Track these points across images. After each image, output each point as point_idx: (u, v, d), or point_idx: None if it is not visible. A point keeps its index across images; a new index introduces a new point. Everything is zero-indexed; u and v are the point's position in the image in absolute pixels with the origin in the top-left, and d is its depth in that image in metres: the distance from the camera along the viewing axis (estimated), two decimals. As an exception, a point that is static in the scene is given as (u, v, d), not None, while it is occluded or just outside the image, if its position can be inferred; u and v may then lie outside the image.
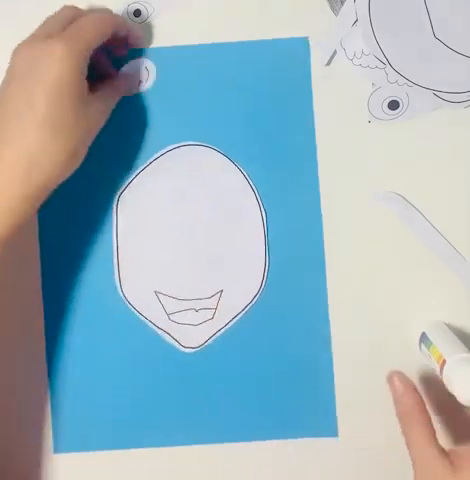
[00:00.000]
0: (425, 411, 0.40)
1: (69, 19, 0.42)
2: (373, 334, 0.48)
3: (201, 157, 0.47)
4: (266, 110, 0.47)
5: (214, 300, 0.47)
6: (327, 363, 0.47)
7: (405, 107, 0.47)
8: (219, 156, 0.47)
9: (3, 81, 0.40)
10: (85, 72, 0.40)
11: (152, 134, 0.47)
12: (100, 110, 0.42)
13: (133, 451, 0.47)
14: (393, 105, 0.47)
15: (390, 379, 0.43)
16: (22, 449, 0.47)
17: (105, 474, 0.48)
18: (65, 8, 0.43)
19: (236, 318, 0.47)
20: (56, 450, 0.47)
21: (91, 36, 0.40)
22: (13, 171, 0.38)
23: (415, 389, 0.41)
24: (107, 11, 0.46)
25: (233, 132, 0.47)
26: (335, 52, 0.47)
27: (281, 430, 0.48)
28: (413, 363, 0.47)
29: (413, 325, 0.48)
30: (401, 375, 0.42)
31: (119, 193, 0.47)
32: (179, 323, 0.47)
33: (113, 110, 0.45)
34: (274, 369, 0.47)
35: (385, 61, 0.46)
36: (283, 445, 0.48)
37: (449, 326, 0.47)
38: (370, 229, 0.48)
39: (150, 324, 0.47)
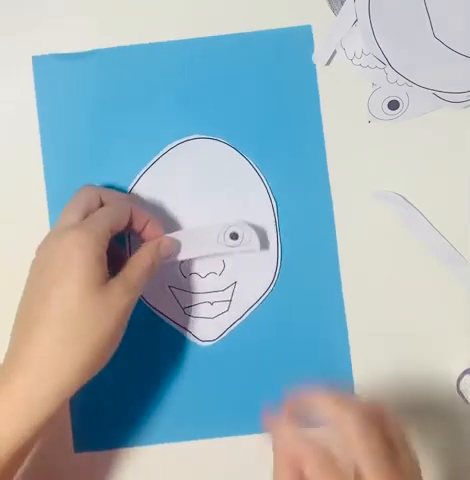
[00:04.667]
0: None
1: (88, 205, 0.42)
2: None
3: (209, 150, 0.47)
4: (272, 100, 0.47)
5: (228, 292, 0.47)
6: (344, 350, 0.47)
7: (405, 107, 0.47)
8: (227, 148, 0.47)
9: (27, 278, 0.41)
10: (103, 259, 0.39)
11: (159, 129, 0.47)
12: (121, 298, 0.39)
13: (155, 447, 0.47)
14: (393, 105, 0.47)
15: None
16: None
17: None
18: (84, 190, 0.43)
19: (251, 309, 0.47)
20: (77, 449, 0.47)
21: (108, 226, 0.40)
22: (24, 374, 0.37)
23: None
24: (127, 198, 0.46)
25: (240, 124, 0.47)
26: (335, 52, 0.47)
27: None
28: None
29: (414, 325, 0.48)
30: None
31: (130, 188, 0.47)
32: (195, 317, 0.47)
33: (121, 105, 0.45)
34: (291, 359, 0.47)
35: (385, 61, 0.46)
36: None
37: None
38: (370, 229, 0.48)
39: (166, 319, 0.47)
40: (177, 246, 0.45)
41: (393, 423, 0.37)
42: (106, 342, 0.39)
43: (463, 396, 0.47)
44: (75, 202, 0.43)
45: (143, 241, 0.44)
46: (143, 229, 0.44)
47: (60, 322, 0.38)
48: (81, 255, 0.38)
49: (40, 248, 0.41)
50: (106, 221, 0.41)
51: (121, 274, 0.41)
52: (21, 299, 0.41)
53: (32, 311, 0.39)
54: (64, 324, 0.38)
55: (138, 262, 0.42)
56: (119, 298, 0.39)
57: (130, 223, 0.43)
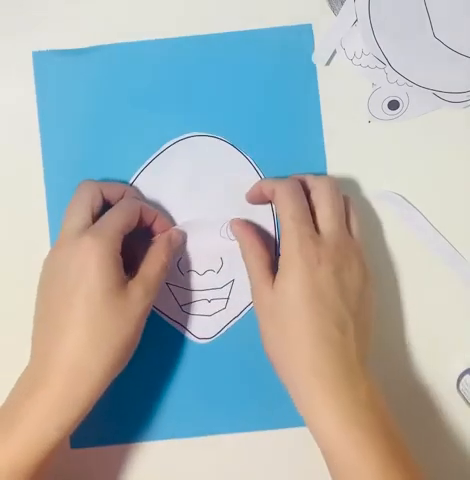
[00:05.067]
0: (260, 247, 0.43)
1: (92, 201, 0.42)
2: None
3: (209, 148, 0.47)
4: (272, 99, 0.47)
5: (226, 290, 0.47)
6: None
7: (405, 107, 0.47)
8: (227, 146, 0.47)
9: (41, 282, 0.41)
10: (120, 262, 0.40)
11: (159, 126, 0.47)
12: (141, 302, 0.40)
13: (151, 444, 0.47)
14: (393, 105, 0.47)
15: (231, 224, 0.46)
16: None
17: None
18: (86, 186, 0.43)
19: (249, 307, 0.47)
20: (73, 445, 0.47)
21: (121, 229, 0.41)
22: (57, 378, 0.38)
23: (253, 230, 0.45)
24: (131, 191, 0.46)
25: (240, 122, 0.47)
26: (335, 52, 0.47)
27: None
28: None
29: (413, 325, 0.48)
30: (238, 220, 0.46)
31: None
32: (192, 314, 0.47)
33: (119, 102, 0.46)
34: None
35: (385, 61, 0.46)
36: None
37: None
38: (370, 229, 0.48)
39: (163, 316, 0.47)
40: (184, 237, 0.46)
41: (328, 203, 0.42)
42: (127, 345, 0.40)
43: (463, 396, 0.47)
44: (79, 199, 0.43)
45: (153, 234, 0.45)
46: (151, 224, 0.45)
47: (84, 327, 0.38)
48: (99, 263, 0.39)
49: (54, 251, 0.41)
50: (118, 223, 0.41)
51: (140, 275, 0.41)
52: (38, 301, 0.41)
53: (54, 315, 0.39)
54: (88, 330, 0.38)
55: (154, 260, 0.43)
56: (139, 303, 0.40)
57: (139, 220, 0.43)
